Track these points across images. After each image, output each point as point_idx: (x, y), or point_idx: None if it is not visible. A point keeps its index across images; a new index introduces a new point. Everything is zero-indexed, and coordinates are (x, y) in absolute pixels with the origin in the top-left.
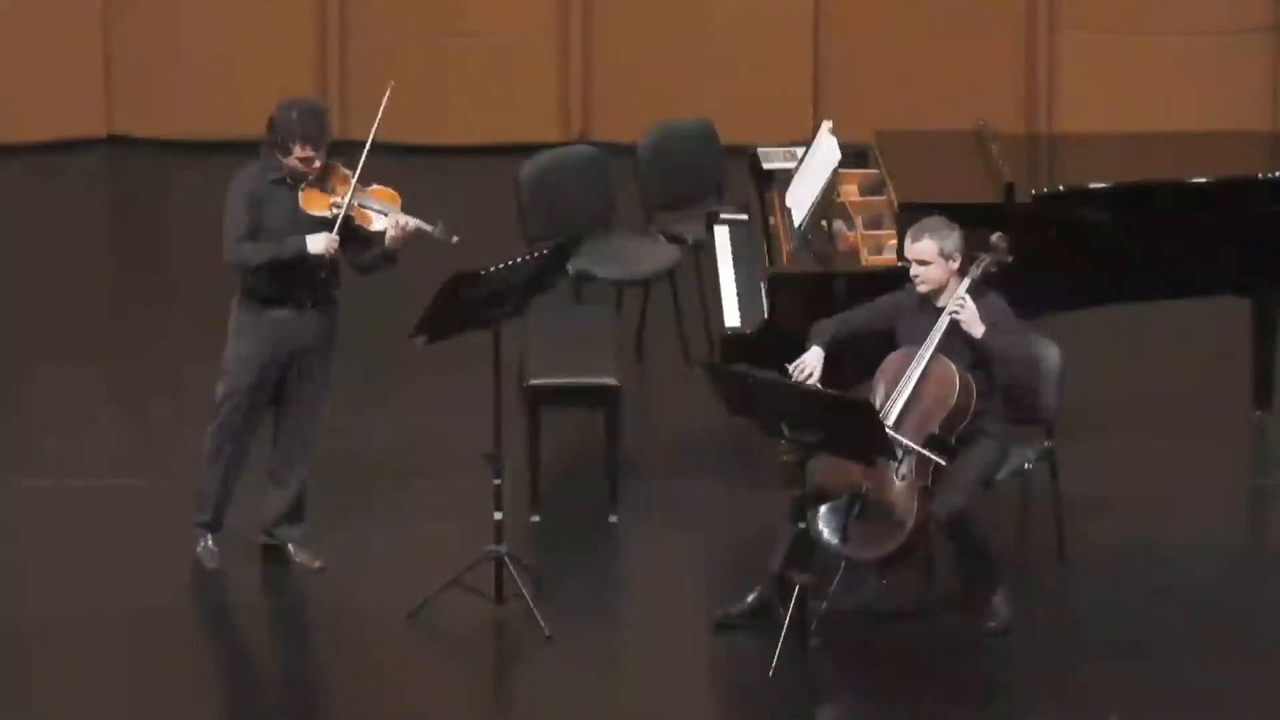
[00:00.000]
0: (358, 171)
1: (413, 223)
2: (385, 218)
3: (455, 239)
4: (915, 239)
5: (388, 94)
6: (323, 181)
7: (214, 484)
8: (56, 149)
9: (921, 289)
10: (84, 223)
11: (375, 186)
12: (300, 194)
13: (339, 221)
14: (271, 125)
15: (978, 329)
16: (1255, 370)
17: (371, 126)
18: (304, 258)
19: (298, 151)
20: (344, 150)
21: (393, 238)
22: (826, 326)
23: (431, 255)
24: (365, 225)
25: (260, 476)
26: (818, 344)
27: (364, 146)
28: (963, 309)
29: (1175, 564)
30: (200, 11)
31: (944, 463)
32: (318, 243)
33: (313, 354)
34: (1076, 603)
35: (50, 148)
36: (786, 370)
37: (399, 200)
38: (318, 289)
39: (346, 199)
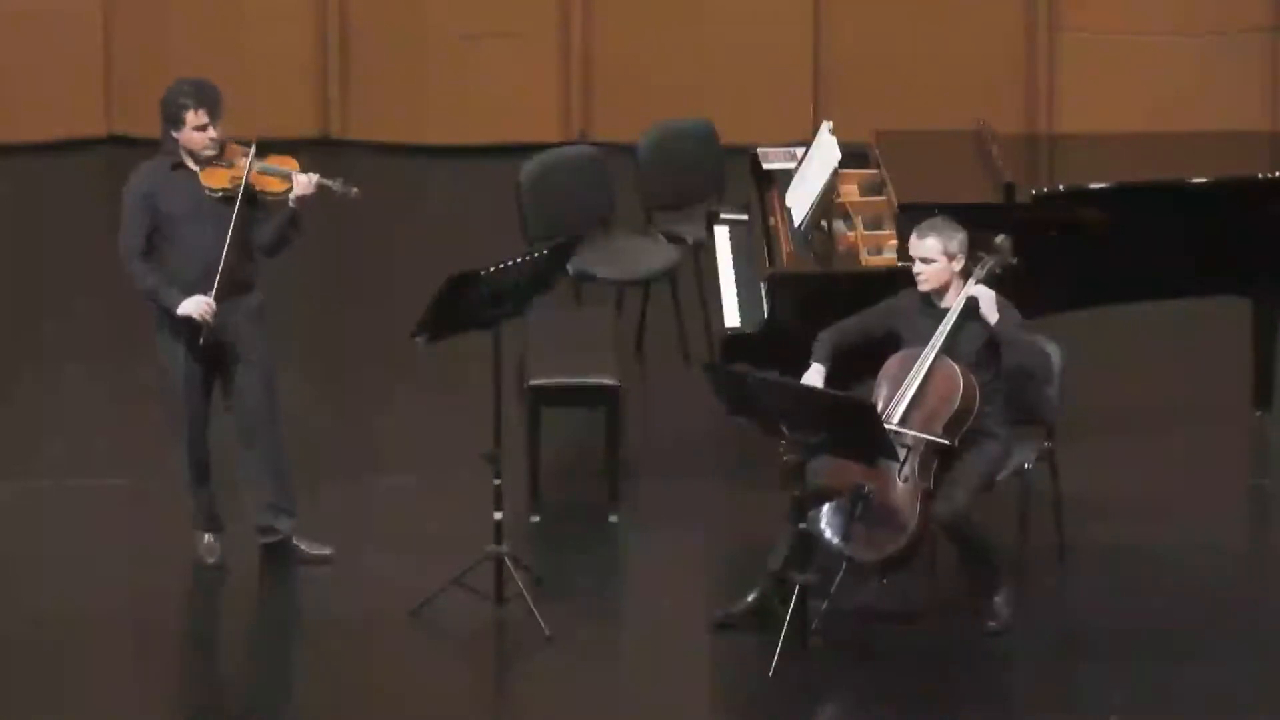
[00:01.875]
0: (253, 146)
1: (318, 180)
2: (286, 180)
3: (355, 191)
4: (920, 236)
5: (252, 151)
6: (221, 158)
7: (190, 485)
8: (56, 149)
9: (923, 287)
10: (84, 223)
11: (272, 154)
12: (201, 174)
13: (240, 192)
14: (164, 102)
15: (994, 314)
16: (1255, 370)
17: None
18: (173, 311)
19: (192, 119)
20: (341, 150)
21: (298, 196)
22: (825, 341)
23: (433, 254)
24: (268, 189)
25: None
26: (818, 361)
27: (360, 145)
28: (981, 294)
29: (1175, 564)
30: (200, 12)
31: (947, 442)
32: (189, 306)
33: (241, 338)
34: (1076, 603)
35: (50, 148)
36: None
37: (297, 165)
38: (233, 278)
39: (246, 168)
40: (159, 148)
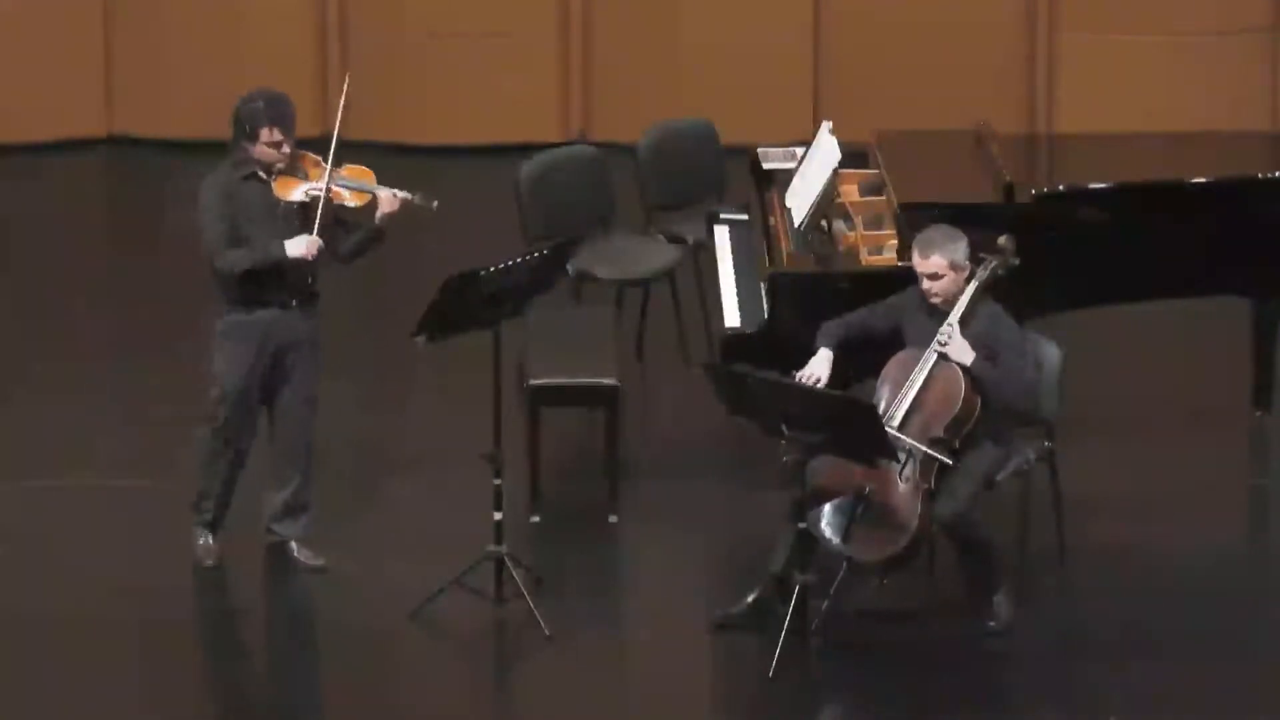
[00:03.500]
0: (331, 154)
1: (399, 194)
2: (366, 195)
3: (435, 204)
4: (925, 255)
5: (346, 85)
6: (294, 168)
7: (214, 486)
8: (56, 149)
9: (934, 301)
10: (84, 223)
11: (348, 166)
12: (274, 183)
13: (319, 213)
14: (237, 116)
15: (966, 358)
16: (1255, 370)
17: (340, 119)
18: (284, 262)
19: (265, 136)
20: (341, 151)
21: (384, 214)
22: (833, 329)
23: (433, 254)
24: (346, 203)
25: (262, 475)
26: (825, 346)
27: (360, 145)
28: (949, 341)
29: (1175, 564)
30: (200, 11)
31: (948, 461)
32: (298, 246)
33: (299, 348)
34: (1076, 603)
35: (50, 148)
36: (791, 375)
37: (374, 176)
38: (301, 285)
39: (324, 181)
40: (228, 154)
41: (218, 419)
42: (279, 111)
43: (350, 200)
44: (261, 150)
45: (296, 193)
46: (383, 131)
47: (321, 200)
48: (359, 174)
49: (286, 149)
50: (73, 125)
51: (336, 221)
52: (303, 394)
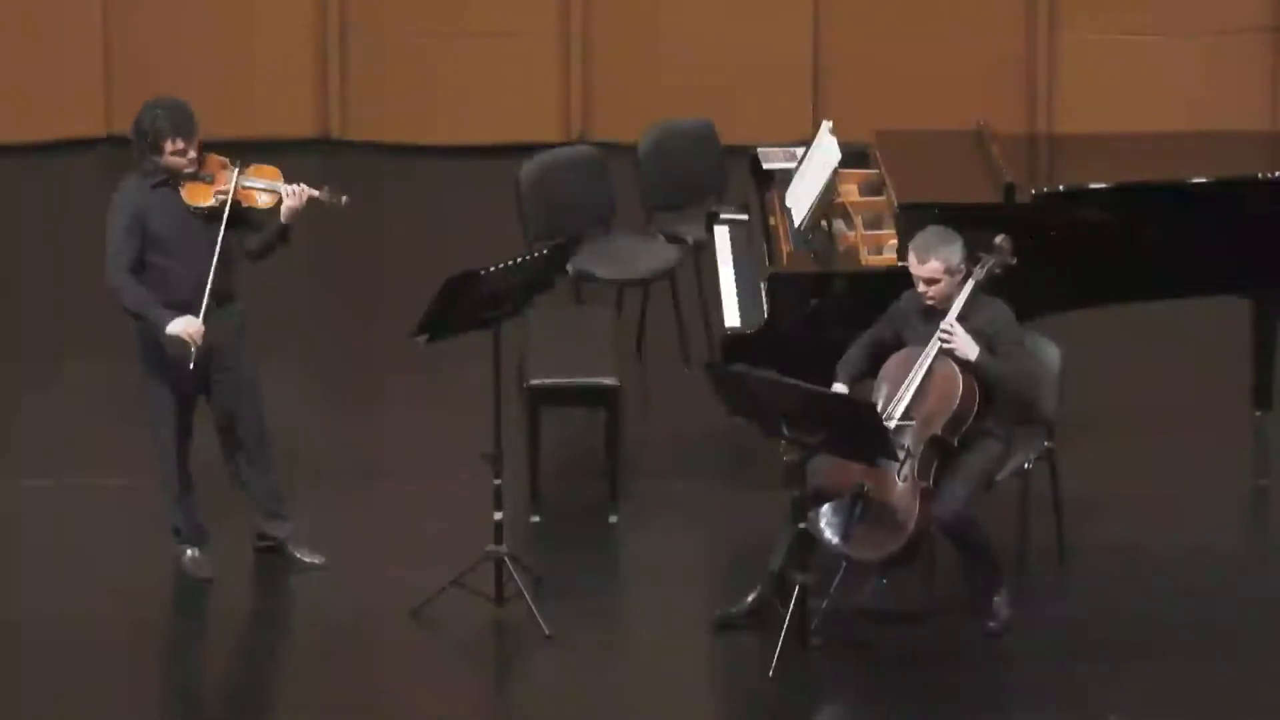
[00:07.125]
0: (237, 164)
1: (305, 191)
2: (273, 193)
3: (345, 199)
4: (922, 260)
5: (236, 168)
6: (202, 173)
7: (175, 503)
8: (56, 149)
9: (930, 303)
10: (83, 223)
11: (254, 165)
12: (182, 190)
13: (226, 209)
14: (139, 129)
15: (971, 352)
16: (1255, 370)
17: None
18: (160, 333)
19: (169, 147)
20: (341, 150)
21: (289, 209)
22: (854, 360)
23: (433, 254)
24: (254, 205)
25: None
26: (841, 381)
27: (359, 145)
28: (952, 337)
29: (1175, 564)
30: (200, 11)
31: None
32: (177, 325)
33: (223, 347)
34: (1076, 603)
35: (50, 148)
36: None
37: (280, 175)
38: (216, 293)
39: (231, 184)
40: (136, 166)
41: (159, 441)
42: (180, 120)
43: (259, 201)
44: (168, 160)
45: (204, 199)
46: (382, 131)
47: (229, 202)
48: (265, 174)
49: (192, 154)
50: (73, 125)
51: (245, 222)
52: (243, 391)
